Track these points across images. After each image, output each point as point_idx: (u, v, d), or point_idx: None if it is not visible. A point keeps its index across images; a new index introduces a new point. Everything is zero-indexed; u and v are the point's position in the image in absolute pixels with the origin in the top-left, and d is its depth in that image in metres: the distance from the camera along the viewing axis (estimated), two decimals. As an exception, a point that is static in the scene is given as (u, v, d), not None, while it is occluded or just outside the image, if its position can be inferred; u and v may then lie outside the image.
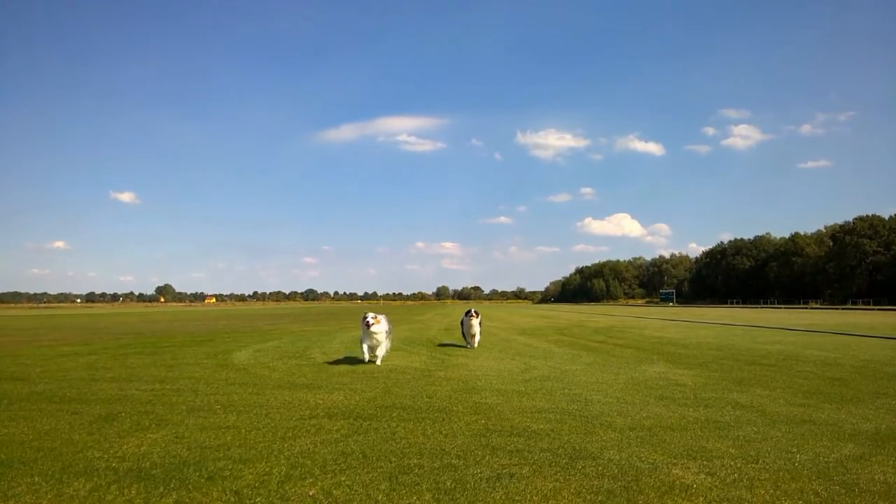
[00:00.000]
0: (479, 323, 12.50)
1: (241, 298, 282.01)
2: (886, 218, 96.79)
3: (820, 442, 4.57)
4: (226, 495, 3.38)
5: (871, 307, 66.33)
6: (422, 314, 42.79)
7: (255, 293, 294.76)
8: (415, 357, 11.04)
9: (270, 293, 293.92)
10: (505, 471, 3.86)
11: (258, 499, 3.33)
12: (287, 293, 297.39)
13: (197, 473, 3.78)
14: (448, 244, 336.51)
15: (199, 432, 4.90)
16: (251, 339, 15.69)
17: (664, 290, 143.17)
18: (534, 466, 3.92)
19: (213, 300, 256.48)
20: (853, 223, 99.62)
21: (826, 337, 16.34)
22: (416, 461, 4.07)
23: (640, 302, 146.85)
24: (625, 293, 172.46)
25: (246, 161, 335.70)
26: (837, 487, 3.51)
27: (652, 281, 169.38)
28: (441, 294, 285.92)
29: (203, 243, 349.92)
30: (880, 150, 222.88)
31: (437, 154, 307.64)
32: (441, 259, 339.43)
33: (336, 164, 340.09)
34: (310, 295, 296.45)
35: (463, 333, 12.93)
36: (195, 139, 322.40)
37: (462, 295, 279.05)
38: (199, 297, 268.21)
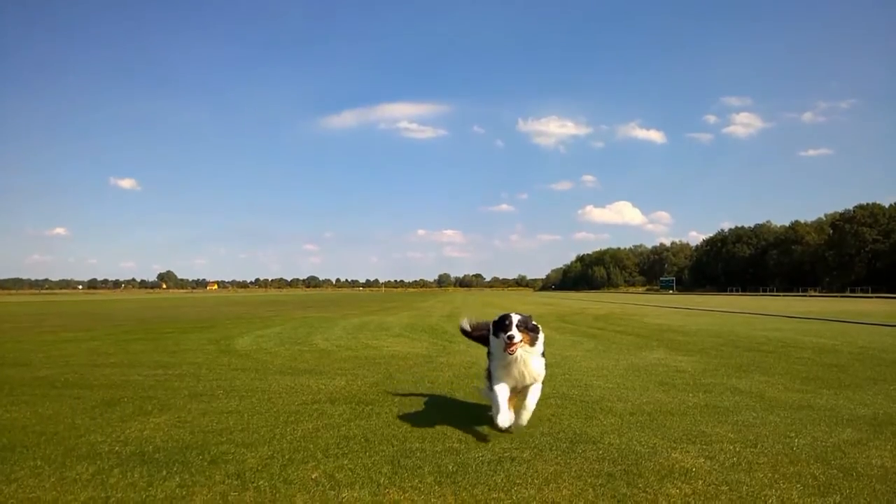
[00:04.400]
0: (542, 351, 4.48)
1: (243, 285, 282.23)
2: (886, 206, 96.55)
3: (818, 427, 4.60)
4: (228, 478, 3.40)
5: (870, 295, 66.39)
6: (424, 301, 42.93)
7: (257, 280, 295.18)
8: (417, 343, 11.09)
9: (272, 280, 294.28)
10: (506, 454, 3.88)
11: (261, 482, 3.35)
12: (289, 280, 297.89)
13: (199, 457, 3.80)
14: (449, 232, 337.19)
15: (201, 417, 4.93)
16: (253, 326, 15.74)
17: (664, 278, 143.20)
18: (535, 450, 3.95)
19: (215, 287, 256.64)
20: (853, 211, 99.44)
21: (824, 324, 16.38)
22: (417, 445, 4.10)
23: (640, 289, 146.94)
24: (625, 281, 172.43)
25: (247, 147, 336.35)
26: (835, 471, 3.53)
27: (652, 269, 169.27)
28: (443, 281, 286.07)
29: (205, 230, 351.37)
30: (881, 138, 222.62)
31: (438, 141, 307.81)
32: (442, 247, 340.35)
33: (337, 150, 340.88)
34: (311, 282, 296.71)
35: (491, 375, 4.54)
36: (196, 125, 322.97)
37: (463, 282, 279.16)
38: (201, 284, 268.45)
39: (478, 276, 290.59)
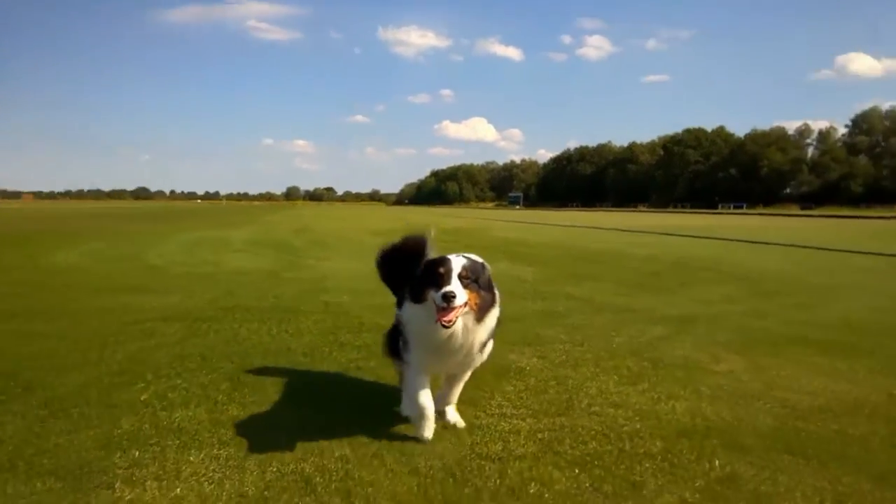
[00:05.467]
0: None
1: (63, 196, 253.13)
2: (709, 131, 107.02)
3: (635, 326, 5.11)
4: (46, 405, 3.09)
5: (689, 210, 74.34)
6: (270, 215, 41.37)
7: (81, 191, 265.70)
8: (261, 258, 10.73)
9: (95, 190, 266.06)
10: (352, 364, 3.91)
11: (84, 407, 3.07)
12: (116, 190, 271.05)
13: (12, 383, 3.41)
14: (301, 142, 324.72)
15: (11, 340, 4.42)
16: (74, 241, 14.31)
17: (512, 194, 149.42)
18: (382, 359, 3.97)
19: (31, 198, 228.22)
20: (682, 135, 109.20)
21: (650, 236, 18.15)
22: (259, 361, 3.99)
23: (490, 205, 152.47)
24: (476, 196, 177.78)
25: (66, 37, 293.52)
26: (646, 363, 3.97)
27: (502, 185, 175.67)
28: (291, 195, 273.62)
29: (14, 131, 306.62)
30: (713, 69, 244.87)
31: (291, 44, 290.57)
32: (293, 158, 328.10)
33: (175, 48, 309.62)
34: (142, 193, 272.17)
35: (404, 350, 2.80)
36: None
37: (314, 196, 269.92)
38: (13, 195, 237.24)
39: (329, 189, 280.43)
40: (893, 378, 3.64)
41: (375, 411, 3.10)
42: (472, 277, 2.51)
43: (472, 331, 2.55)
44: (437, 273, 2.48)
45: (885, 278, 8.33)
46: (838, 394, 3.35)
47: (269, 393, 3.33)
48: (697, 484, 2.31)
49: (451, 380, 2.98)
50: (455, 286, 2.41)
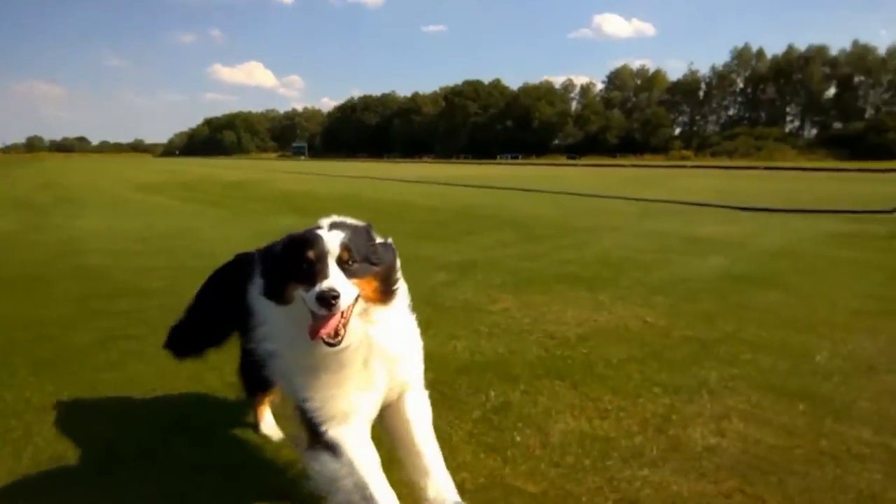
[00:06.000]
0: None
1: None
2: (486, 83, 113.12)
3: (421, 273, 5.32)
4: None
5: (471, 161, 78.57)
6: (8, 169, 35.32)
7: None
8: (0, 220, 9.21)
9: None
10: (112, 333, 3.58)
11: None
12: None
13: None
14: (44, 84, 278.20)
15: None
16: None
17: (296, 144, 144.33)
18: (149, 326, 3.65)
19: None
20: (462, 86, 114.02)
21: (435, 187, 18.90)
22: (6, 336, 3.53)
23: (272, 156, 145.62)
24: (257, 146, 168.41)
25: None
26: (430, 309, 4.17)
27: (285, 134, 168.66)
28: (33, 146, 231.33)
29: None
30: (488, 21, 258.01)
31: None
32: (34, 101, 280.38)
33: None
34: None
35: (300, 395, 1.70)
36: None
37: (63, 146, 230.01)
38: None
39: (82, 139, 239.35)
40: (647, 307, 4.21)
41: (143, 384, 2.88)
42: (358, 257, 1.59)
43: (385, 325, 1.67)
44: (303, 260, 1.54)
45: (637, 220, 9.63)
46: (600, 323, 3.84)
47: (17, 374, 2.94)
48: (475, 415, 2.52)
49: (400, 414, 1.88)
50: (335, 279, 1.49)
